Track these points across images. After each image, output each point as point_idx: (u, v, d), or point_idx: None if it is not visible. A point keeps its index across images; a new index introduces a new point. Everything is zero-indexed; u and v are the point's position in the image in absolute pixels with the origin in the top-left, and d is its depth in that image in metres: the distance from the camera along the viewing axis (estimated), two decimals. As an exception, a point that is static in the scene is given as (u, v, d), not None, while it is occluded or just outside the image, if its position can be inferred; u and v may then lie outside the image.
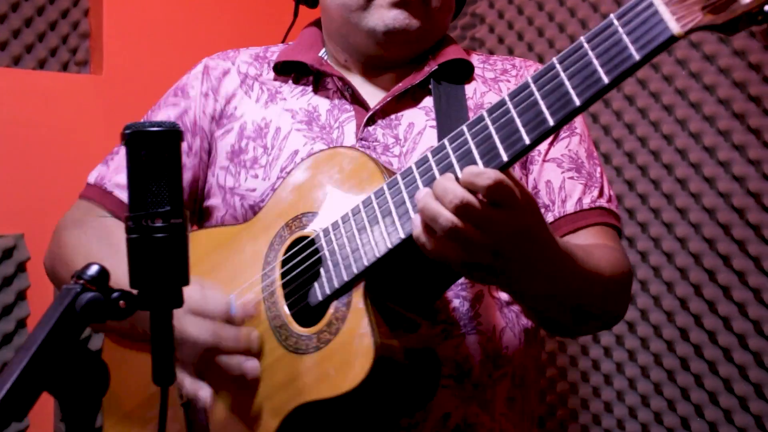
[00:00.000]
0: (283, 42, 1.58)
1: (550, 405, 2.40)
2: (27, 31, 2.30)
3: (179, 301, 0.95)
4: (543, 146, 1.39)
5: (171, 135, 0.95)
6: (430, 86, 1.40)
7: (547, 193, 1.38)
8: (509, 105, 1.02)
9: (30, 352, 0.86)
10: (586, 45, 0.97)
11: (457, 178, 1.02)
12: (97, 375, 0.91)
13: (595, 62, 0.96)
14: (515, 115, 1.02)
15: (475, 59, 1.49)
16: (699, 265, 2.13)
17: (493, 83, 1.45)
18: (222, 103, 1.46)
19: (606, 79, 0.95)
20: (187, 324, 1.18)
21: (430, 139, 1.36)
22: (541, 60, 2.49)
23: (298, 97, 1.43)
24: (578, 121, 1.43)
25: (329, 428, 1.19)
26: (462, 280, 1.30)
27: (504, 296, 1.36)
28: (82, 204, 1.50)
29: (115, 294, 0.92)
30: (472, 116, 1.37)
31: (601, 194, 1.39)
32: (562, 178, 1.38)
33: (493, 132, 1.03)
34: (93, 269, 0.92)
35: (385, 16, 1.36)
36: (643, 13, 0.93)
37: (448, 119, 1.37)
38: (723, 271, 2.10)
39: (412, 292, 1.19)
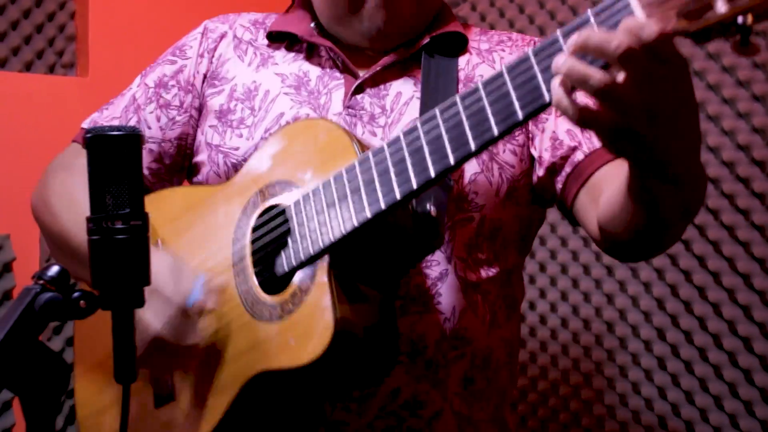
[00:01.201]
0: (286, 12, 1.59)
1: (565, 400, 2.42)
2: (13, 33, 2.32)
3: (140, 301, 0.98)
4: (549, 122, 1.36)
5: (131, 139, 0.96)
6: (422, 59, 1.40)
7: (571, 137, 1.33)
8: (506, 77, 0.99)
9: (-11, 351, 0.88)
10: (561, 40, 0.96)
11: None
12: (57, 373, 0.93)
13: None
14: (511, 89, 0.99)
15: (473, 32, 1.48)
16: (703, 267, 2.14)
17: (487, 54, 1.44)
18: (216, 64, 1.49)
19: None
20: (147, 306, 1.16)
21: (416, 110, 1.36)
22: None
23: (290, 63, 1.45)
24: None
25: (286, 396, 1.21)
26: (429, 257, 1.29)
27: (470, 277, 1.35)
28: (72, 147, 1.55)
29: (76, 294, 0.94)
30: (461, 88, 1.38)
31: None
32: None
33: (487, 105, 1.01)
34: (53, 270, 0.94)
35: (375, 19, 1.38)
36: (620, 13, 0.92)
37: (435, 91, 1.36)
38: (728, 273, 2.11)
39: (378, 269, 1.20)
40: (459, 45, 1.43)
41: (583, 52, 0.90)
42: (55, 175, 1.48)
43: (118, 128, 0.96)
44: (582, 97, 0.94)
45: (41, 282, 0.93)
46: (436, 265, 1.33)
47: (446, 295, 1.33)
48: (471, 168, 1.34)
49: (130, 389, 0.99)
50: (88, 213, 1.30)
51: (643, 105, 0.91)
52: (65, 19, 2.42)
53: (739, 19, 0.84)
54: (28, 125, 2.29)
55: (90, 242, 0.96)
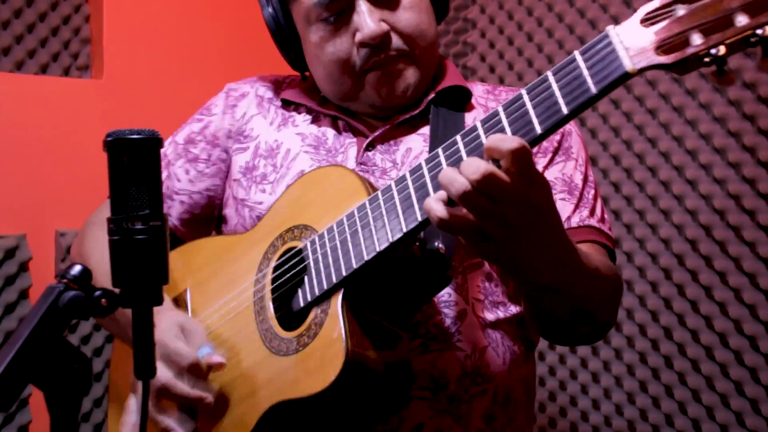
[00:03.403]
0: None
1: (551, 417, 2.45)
2: (29, 36, 2.35)
3: (159, 299, 1.00)
4: (538, 168, 1.42)
5: (150, 142, 0.99)
6: (429, 115, 1.45)
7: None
8: (502, 116, 1.07)
9: (15, 347, 0.91)
10: (551, 78, 1.03)
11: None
12: (80, 369, 0.96)
13: (558, 93, 1.02)
14: (506, 125, 1.06)
15: (480, 89, 1.54)
16: (682, 265, 2.17)
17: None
18: (240, 121, 1.56)
19: (565, 110, 1.01)
20: (170, 341, 1.27)
21: None
22: (529, 64, 2.54)
23: (309, 124, 1.51)
24: (575, 146, 1.46)
25: (302, 427, 1.25)
26: (446, 297, 1.35)
27: (489, 317, 1.38)
28: (108, 202, 1.60)
29: (97, 292, 0.97)
30: None
31: (591, 214, 1.41)
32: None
33: (485, 141, 1.07)
34: (76, 269, 0.97)
35: (376, 98, 1.43)
36: (602, 51, 0.99)
37: (443, 142, 1.40)
38: (733, 273, 2.14)
39: (392, 303, 1.25)
40: (463, 98, 1.48)
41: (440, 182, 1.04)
42: (92, 230, 1.56)
43: (138, 131, 0.99)
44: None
45: (65, 281, 0.95)
46: (455, 305, 1.36)
47: (466, 333, 1.36)
48: None
49: (149, 385, 1.02)
50: None
51: (500, 213, 1.02)
52: (80, 22, 2.45)
53: (713, 51, 0.91)
54: (43, 127, 2.32)
55: (110, 242, 0.99)
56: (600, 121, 2.35)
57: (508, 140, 0.99)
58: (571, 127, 1.48)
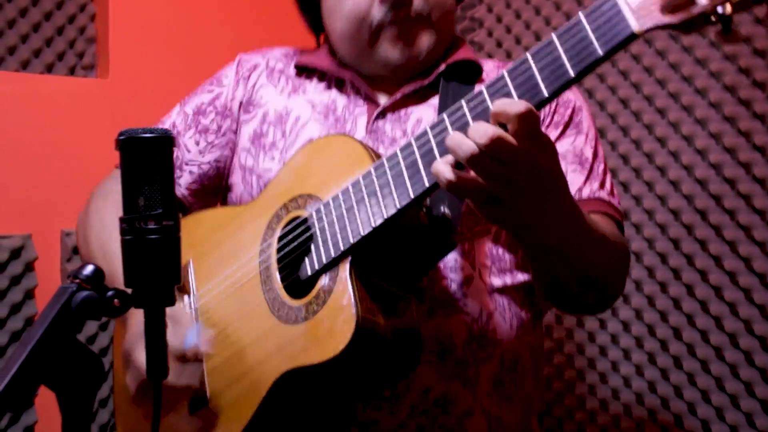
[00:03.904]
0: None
1: (558, 392, 2.44)
2: (35, 36, 2.35)
3: (171, 300, 1.00)
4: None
5: (163, 141, 0.98)
6: (440, 86, 1.46)
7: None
8: (507, 80, 1.06)
9: (28, 348, 0.90)
10: (556, 41, 1.02)
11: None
12: (92, 370, 0.95)
13: (564, 57, 1.01)
14: (512, 89, 1.06)
15: (490, 64, 1.55)
16: (692, 265, 2.16)
17: None
18: (251, 91, 1.56)
19: (572, 73, 1.01)
20: (138, 351, 1.26)
21: None
22: (537, 38, 2.53)
23: (320, 92, 1.52)
24: (586, 122, 1.47)
25: (315, 395, 1.25)
26: (453, 263, 1.36)
27: (496, 282, 1.40)
28: (114, 173, 1.63)
29: (110, 293, 0.96)
30: None
31: (602, 187, 1.43)
32: (564, 171, 1.41)
33: (491, 105, 1.08)
34: (88, 269, 0.96)
35: (391, 54, 1.45)
36: (608, 12, 0.98)
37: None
38: (744, 273, 2.13)
39: (399, 269, 1.25)
40: (474, 73, 1.49)
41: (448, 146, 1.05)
42: (95, 202, 1.57)
43: (150, 130, 0.98)
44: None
45: (77, 281, 0.95)
46: (461, 270, 1.37)
47: (472, 298, 1.37)
48: None
49: (161, 386, 1.01)
50: (114, 244, 1.36)
51: (507, 176, 1.03)
52: (86, 21, 2.44)
53: (720, 9, 0.90)
54: (49, 127, 2.31)
55: (123, 242, 0.98)
56: (609, 93, 2.33)
57: (515, 104, 1.00)
58: (582, 103, 1.49)
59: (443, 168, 1.06)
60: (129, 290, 0.98)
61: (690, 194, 2.18)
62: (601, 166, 1.45)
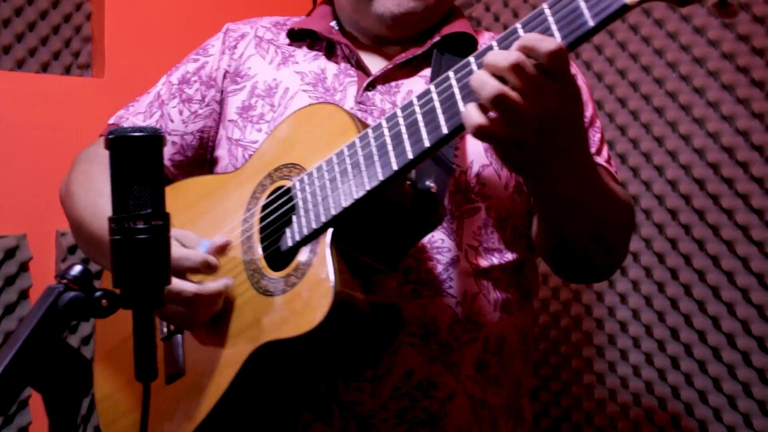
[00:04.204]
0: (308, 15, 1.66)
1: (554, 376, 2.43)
2: (30, 35, 2.33)
3: (161, 301, 0.99)
4: None
5: (153, 140, 0.98)
6: (432, 58, 1.45)
7: None
8: (496, 49, 1.04)
9: (14, 349, 0.89)
10: (547, 11, 1.01)
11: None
12: (79, 371, 0.94)
13: (554, 27, 1.00)
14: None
15: (487, 36, 1.53)
16: (689, 265, 2.15)
17: None
18: (237, 62, 1.54)
19: (562, 44, 0.99)
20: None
21: None
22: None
23: (310, 61, 1.50)
24: (582, 90, 1.46)
25: (293, 370, 1.24)
26: (439, 243, 1.35)
27: (482, 263, 1.39)
28: (99, 141, 1.61)
29: (98, 293, 0.95)
30: None
31: (598, 154, 1.42)
32: None
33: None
34: (76, 269, 0.95)
35: (390, 4, 1.43)
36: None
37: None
38: (713, 271, 2.12)
39: (382, 243, 1.23)
40: (469, 46, 1.47)
41: (488, 69, 1.01)
42: (79, 166, 1.56)
43: (140, 129, 0.97)
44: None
45: (64, 281, 0.94)
46: (447, 251, 1.36)
47: (458, 279, 1.36)
48: (479, 160, 1.39)
49: (150, 387, 1.00)
50: (103, 198, 1.35)
51: (532, 118, 1.00)
52: (81, 21, 2.43)
53: None
54: (44, 126, 2.30)
55: (112, 242, 0.97)
56: (606, 92, 2.32)
57: (546, 40, 0.97)
58: (576, 71, 1.47)
59: (473, 113, 1.01)
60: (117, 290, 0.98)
61: (688, 194, 2.16)
62: (597, 135, 1.44)
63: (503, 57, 0.98)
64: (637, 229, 2.26)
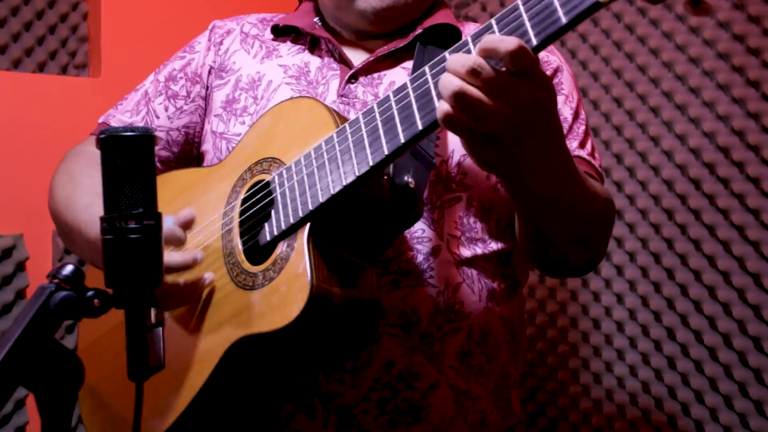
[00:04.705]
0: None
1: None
2: (27, 34, 2.33)
3: (153, 300, 0.98)
4: None
5: (144, 139, 0.97)
6: (415, 49, 1.44)
7: None
8: (470, 45, 1.04)
9: (5, 349, 0.89)
10: (521, 7, 1.01)
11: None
12: (71, 371, 0.94)
13: (527, 24, 0.99)
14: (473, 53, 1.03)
15: (471, 27, 1.53)
16: (685, 265, 2.15)
17: None
18: (223, 57, 1.55)
19: (534, 41, 0.99)
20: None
21: None
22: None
23: (294, 55, 1.51)
24: (566, 83, 1.46)
25: (270, 363, 1.24)
26: (420, 233, 1.35)
27: (465, 253, 1.38)
28: (88, 139, 1.64)
29: (90, 293, 0.95)
30: None
31: (582, 147, 1.41)
32: None
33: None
34: (68, 269, 0.95)
35: (372, 0, 1.43)
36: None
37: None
38: (709, 271, 2.12)
39: (360, 238, 1.23)
40: (453, 37, 1.46)
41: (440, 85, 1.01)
42: (64, 162, 1.57)
43: (131, 129, 0.97)
44: None
45: (56, 281, 0.93)
46: (428, 241, 1.36)
47: (439, 269, 1.35)
48: (460, 150, 1.39)
49: (143, 387, 1.00)
50: (79, 190, 1.37)
51: (497, 112, 0.99)
52: (78, 20, 2.43)
53: None
54: (40, 126, 2.30)
55: (103, 242, 0.96)
56: (603, 92, 2.33)
57: (504, 41, 0.97)
58: (562, 63, 1.48)
59: (441, 103, 1.01)
60: (110, 290, 0.97)
61: (683, 194, 2.17)
62: (582, 128, 1.43)
63: (461, 63, 0.98)
64: (633, 229, 2.26)
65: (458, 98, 0.99)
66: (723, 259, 2.10)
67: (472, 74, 0.98)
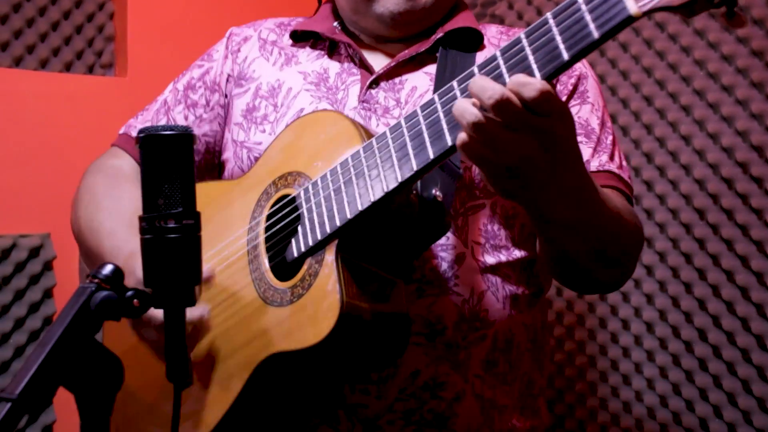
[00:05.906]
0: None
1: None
2: (53, 34, 2.32)
3: (192, 300, 0.98)
4: None
5: (183, 138, 0.96)
6: (437, 53, 1.41)
7: None
8: (500, 60, 1.02)
9: (46, 348, 0.87)
10: (551, 21, 0.97)
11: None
12: (111, 371, 0.93)
13: (558, 38, 0.96)
14: (504, 71, 1.01)
15: (493, 29, 1.49)
16: (717, 265, 2.12)
17: None
18: (242, 65, 1.52)
19: (566, 56, 0.96)
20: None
21: None
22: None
23: (313, 61, 1.48)
24: (592, 90, 1.42)
25: (299, 379, 1.21)
26: (444, 240, 1.31)
27: (489, 260, 1.34)
28: (110, 150, 1.60)
29: (129, 293, 0.94)
30: None
31: (611, 159, 1.37)
32: None
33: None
34: (107, 269, 0.94)
35: (389, 4, 1.40)
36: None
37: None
38: (726, 286, 2.11)
39: (388, 253, 1.20)
40: (475, 41, 1.43)
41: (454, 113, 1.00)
42: (86, 178, 1.52)
43: (170, 128, 0.95)
44: None
45: (96, 281, 0.92)
46: (452, 249, 1.32)
47: (464, 277, 1.32)
48: None
49: (181, 389, 0.99)
50: (101, 213, 1.35)
51: (516, 146, 0.98)
52: (104, 20, 2.41)
53: None
54: (67, 125, 2.28)
55: (143, 241, 0.95)
56: (608, 94, 2.30)
57: (528, 86, 0.95)
58: (588, 71, 1.43)
59: (463, 133, 1.00)
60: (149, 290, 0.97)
61: (688, 194, 2.15)
62: (609, 137, 1.39)
63: (488, 95, 0.96)
64: (652, 244, 2.24)
65: (477, 129, 0.97)
66: (727, 258, 2.09)
67: (496, 108, 0.96)
